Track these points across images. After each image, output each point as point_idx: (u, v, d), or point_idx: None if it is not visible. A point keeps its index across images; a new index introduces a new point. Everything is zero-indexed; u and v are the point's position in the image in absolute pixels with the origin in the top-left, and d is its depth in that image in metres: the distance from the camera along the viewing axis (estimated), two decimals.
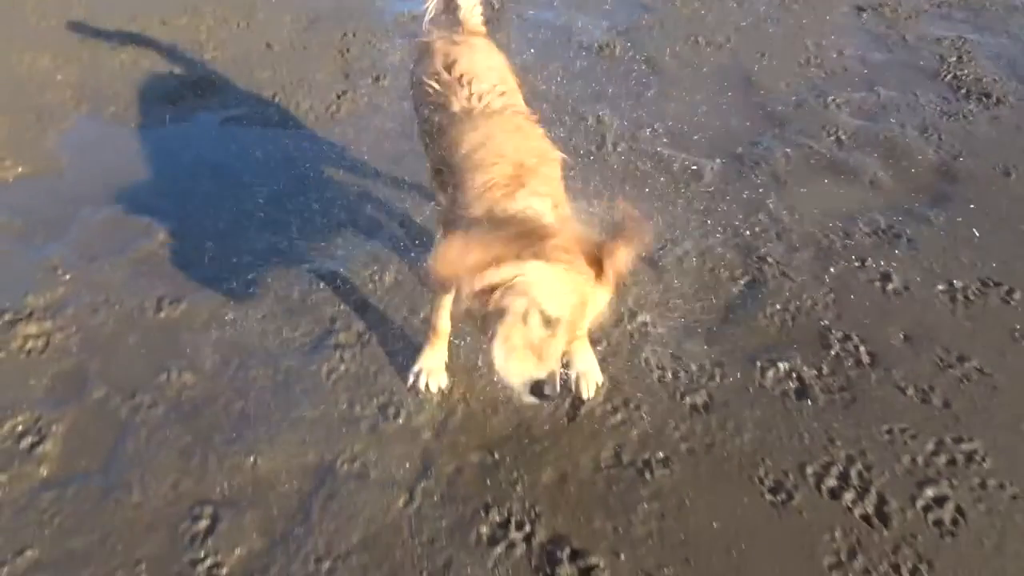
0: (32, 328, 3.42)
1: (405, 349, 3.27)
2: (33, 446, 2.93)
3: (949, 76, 5.14)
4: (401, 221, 4.01)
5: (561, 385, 2.28)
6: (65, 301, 3.56)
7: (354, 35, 5.90)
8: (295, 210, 4.10)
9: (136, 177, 4.40)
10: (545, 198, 2.45)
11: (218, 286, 3.63)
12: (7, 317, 3.46)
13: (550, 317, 2.18)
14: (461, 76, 2.93)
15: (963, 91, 4.96)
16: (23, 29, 6.08)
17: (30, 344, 3.35)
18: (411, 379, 3.11)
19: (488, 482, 2.75)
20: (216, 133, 4.80)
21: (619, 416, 2.96)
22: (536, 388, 2.19)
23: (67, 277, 3.69)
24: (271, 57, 5.63)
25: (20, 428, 3.00)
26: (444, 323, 3.06)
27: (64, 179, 4.39)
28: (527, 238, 2.20)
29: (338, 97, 5.08)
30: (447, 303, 2.95)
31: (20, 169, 4.44)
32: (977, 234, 3.77)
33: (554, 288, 2.19)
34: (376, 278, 3.66)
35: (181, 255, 3.84)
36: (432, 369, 3.10)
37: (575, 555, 2.51)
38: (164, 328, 3.43)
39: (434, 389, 3.08)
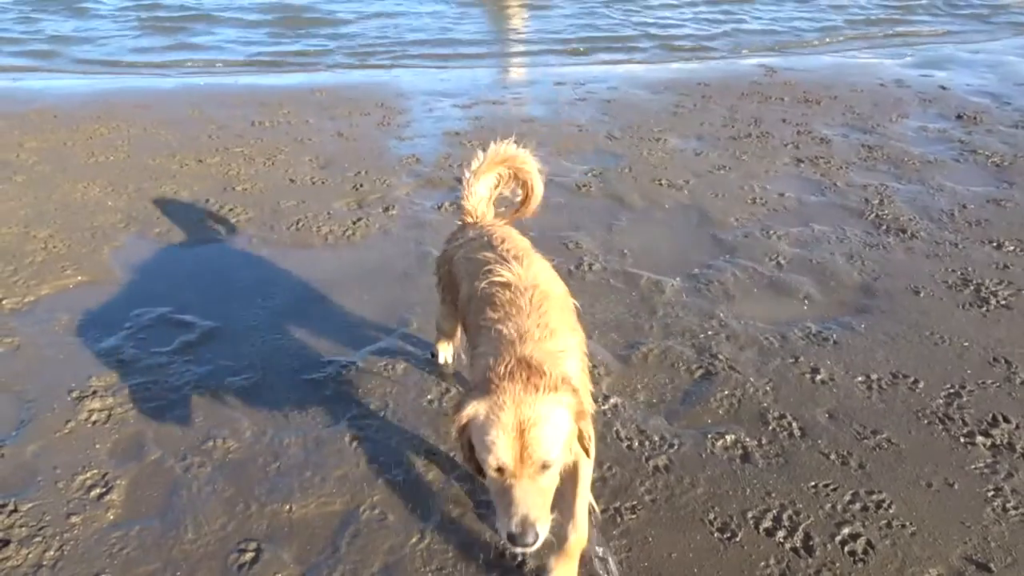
0: (96, 404, 4.02)
1: (416, 421, 3.90)
2: (100, 496, 3.47)
3: (872, 215, 6.08)
4: (408, 325, 4.70)
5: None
6: (122, 383, 4.18)
7: (366, 173, 6.83)
8: (318, 314, 4.81)
9: (178, 286, 5.12)
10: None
11: (252, 371, 4.27)
12: (74, 395, 4.07)
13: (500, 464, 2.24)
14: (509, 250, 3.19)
15: (883, 227, 5.88)
16: (75, 164, 6.98)
17: (95, 416, 3.94)
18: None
19: (485, 524, 3.32)
20: (248, 251, 5.57)
21: (595, 476, 3.57)
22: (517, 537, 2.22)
23: (123, 363, 4.32)
24: (294, 190, 6.52)
25: (89, 482, 3.54)
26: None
27: (117, 286, 5.10)
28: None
29: (353, 223, 5.92)
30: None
31: (79, 278, 5.16)
32: (891, 338, 4.53)
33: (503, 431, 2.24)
34: (389, 369, 4.32)
35: (219, 347, 4.49)
36: None
37: None
38: (207, 404, 4.04)
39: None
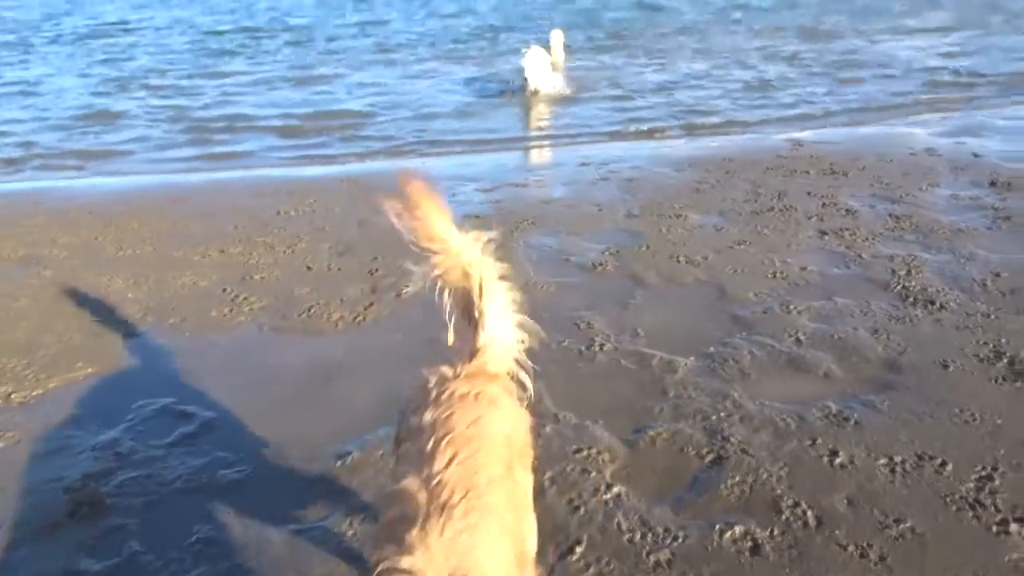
0: (84, 499, 3.94)
1: None
2: None
3: (899, 287, 5.83)
4: None
5: None
6: (114, 477, 4.11)
7: (382, 259, 6.84)
8: (320, 402, 4.73)
9: (186, 375, 5.10)
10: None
11: (246, 464, 4.18)
12: (65, 491, 4.01)
13: None
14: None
15: (910, 299, 5.62)
16: (103, 257, 7.16)
17: (82, 512, 3.86)
18: None
19: None
20: (257, 340, 5.56)
21: (591, 571, 3.34)
22: None
23: (119, 456, 4.27)
24: (309, 277, 6.56)
25: None
26: None
27: (126, 377, 5.11)
28: None
29: (365, 309, 5.89)
30: None
31: (89, 370, 5.19)
32: (916, 417, 4.25)
33: None
34: (385, 458, 4.17)
35: (217, 439, 4.42)
36: None
37: None
38: (197, 499, 3.94)
39: None
